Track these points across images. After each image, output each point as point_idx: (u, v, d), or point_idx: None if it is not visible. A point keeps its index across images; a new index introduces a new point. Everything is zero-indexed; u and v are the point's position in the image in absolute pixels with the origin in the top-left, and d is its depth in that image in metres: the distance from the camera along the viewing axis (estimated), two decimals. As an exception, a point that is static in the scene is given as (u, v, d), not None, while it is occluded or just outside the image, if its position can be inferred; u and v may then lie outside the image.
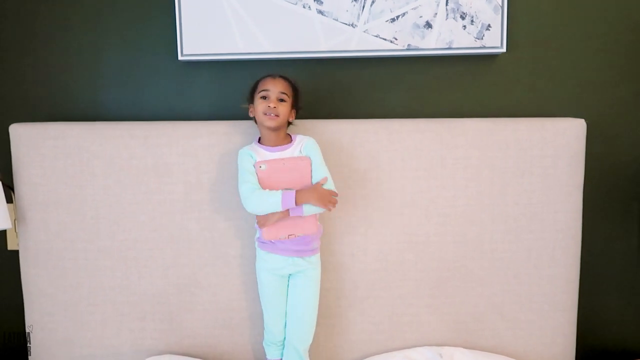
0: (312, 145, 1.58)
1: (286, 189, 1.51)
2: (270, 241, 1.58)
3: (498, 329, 1.77)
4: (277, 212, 1.51)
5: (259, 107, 1.54)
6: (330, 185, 1.56)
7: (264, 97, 1.54)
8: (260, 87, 1.56)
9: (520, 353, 1.76)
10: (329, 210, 1.53)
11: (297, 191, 1.50)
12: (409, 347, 1.75)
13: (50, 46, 1.85)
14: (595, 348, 1.92)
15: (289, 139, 1.61)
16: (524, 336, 1.77)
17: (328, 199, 1.51)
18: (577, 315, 1.79)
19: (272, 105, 1.52)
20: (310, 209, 1.52)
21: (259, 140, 1.61)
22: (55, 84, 1.86)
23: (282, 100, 1.54)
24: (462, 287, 1.75)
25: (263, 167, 1.53)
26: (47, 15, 1.83)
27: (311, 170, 1.56)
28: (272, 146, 1.58)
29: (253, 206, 1.52)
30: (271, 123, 1.53)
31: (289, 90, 1.56)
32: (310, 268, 1.61)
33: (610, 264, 1.90)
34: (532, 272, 1.74)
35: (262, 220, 1.54)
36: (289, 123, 1.62)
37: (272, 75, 1.57)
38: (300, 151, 1.57)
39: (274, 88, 1.54)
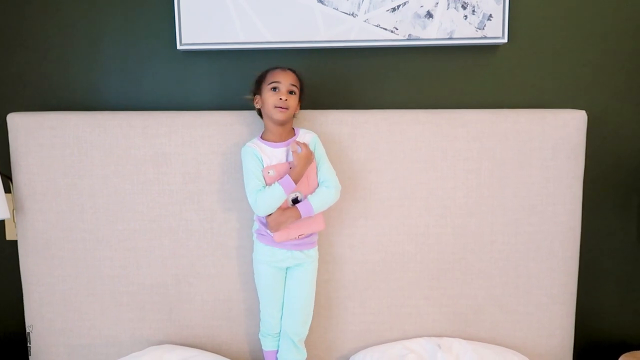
0: (315, 143, 1.58)
1: (293, 190, 1.54)
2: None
3: (497, 321, 1.77)
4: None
5: (270, 99, 1.52)
6: (333, 180, 1.58)
7: (275, 89, 1.52)
8: (270, 78, 1.54)
9: (519, 345, 1.77)
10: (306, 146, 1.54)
11: (289, 173, 1.52)
12: (407, 338, 1.75)
13: (48, 35, 1.84)
14: (593, 340, 1.93)
15: (292, 133, 1.60)
16: (522, 328, 1.77)
17: (305, 152, 1.52)
18: (576, 307, 1.79)
19: (283, 97, 1.51)
20: (319, 206, 1.54)
21: (262, 135, 1.60)
22: (53, 73, 1.85)
23: (292, 92, 1.53)
24: (461, 278, 1.76)
25: (271, 172, 1.54)
26: (44, 3, 1.82)
27: (316, 168, 1.57)
28: (276, 141, 1.57)
29: (262, 209, 1.53)
30: (281, 116, 1.52)
31: (297, 83, 1.56)
32: (308, 261, 1.62)
33: (609, 257, 1.90)
34: (531, 264, 1.75)
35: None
36: (293, 116, 1.61)
37: (282, 67, 1.56)
38: None
39: (285, 80, 1.53)
